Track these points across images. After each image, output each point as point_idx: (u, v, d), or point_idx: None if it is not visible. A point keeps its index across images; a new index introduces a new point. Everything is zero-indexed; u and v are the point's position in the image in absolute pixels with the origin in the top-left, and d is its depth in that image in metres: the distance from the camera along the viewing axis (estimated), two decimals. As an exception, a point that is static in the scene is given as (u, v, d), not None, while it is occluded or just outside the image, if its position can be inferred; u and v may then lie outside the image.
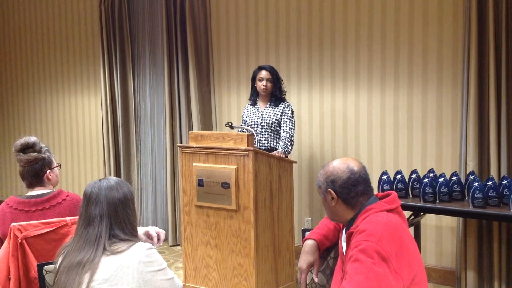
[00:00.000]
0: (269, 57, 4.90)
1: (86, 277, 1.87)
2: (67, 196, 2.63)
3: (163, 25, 5.29)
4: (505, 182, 3.42)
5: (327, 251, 2.33)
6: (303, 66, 4.74)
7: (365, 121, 4.47)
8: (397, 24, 4.28)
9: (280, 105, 4.30)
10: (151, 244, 2.03)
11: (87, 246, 1.93)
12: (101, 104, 5.82)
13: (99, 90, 6.00)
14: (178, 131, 5.31)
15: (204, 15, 5.20)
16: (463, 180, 3.74)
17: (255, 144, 4.12)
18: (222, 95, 5.23)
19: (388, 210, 2.03)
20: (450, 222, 4.15)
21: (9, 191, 7.06)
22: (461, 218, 3.95)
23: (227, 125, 4.13)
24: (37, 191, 2.64)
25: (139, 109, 5.75)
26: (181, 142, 5.25)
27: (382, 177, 3.73)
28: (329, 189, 2.08)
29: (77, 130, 6.37)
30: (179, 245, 5.35)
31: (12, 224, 2.31)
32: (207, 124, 5.26)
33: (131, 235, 1.99)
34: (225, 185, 3.66)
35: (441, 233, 4.22)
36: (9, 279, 2.29)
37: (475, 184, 3.37)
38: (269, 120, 4.26)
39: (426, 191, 3.54)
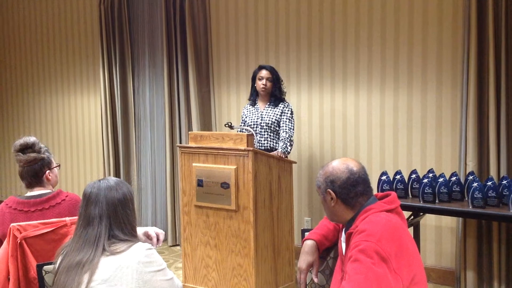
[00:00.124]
0: (269, 58, 4.90)
1: (86, 278, 1.87)
2: (66, 196, 2.62)
3: (163, 25, 5.29)
4: (504, 182, 3.43)
5: (327, 251, 2.33)
6: (303, 67, 4.74)
7: (364, 121, 4.47)
8: (397, 25, 4.28)
9: (280, 105, 4.30)
10: (151, 245, 2.02)
11: (87, 247, 1.93)
12: (101, 104, 5.82)
13: (98, 90, 6.00)
14: (177, 131, 5.31)
15: (204, 16, 5.20)
16: (462, 180, 3.74)
17: (254, 144, 4.12)
18: (221, 96, 5.23)
19: (388, 210, 2.03)
20: (449, 222, 4.16)
21: (9, 191, 7.05)
22: (460, 218, 3.95)
23: (227, 125, 4.13)
24: (37, 192, 2.63)
25: (138, 110, 5.75)
26: (180, 142, 5.24)
27: (382, 177, 3.73)
28: (329, 190, 2.08)
29: (76, 131, 6.37)
30: (178, 245, 5.35)
31: (12, 224, 2.31)
32: (206, 124, 5.26)
33: (131, 236, 1.99)
34: (225, 185, 3.66)
35: (440, 233, 4.22)
36: (9, 279, 2.29)
37: (475, 184, 3.38)
38: (269, 120, 4.26)
39: (425, 191, 3.54)
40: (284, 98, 4.36)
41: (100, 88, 5.85)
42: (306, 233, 2.35)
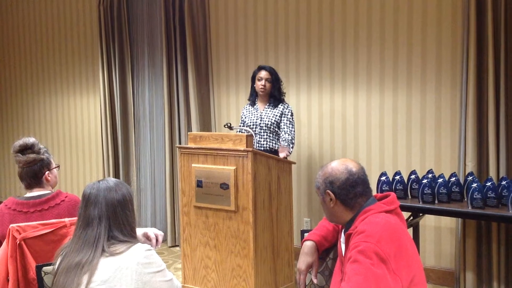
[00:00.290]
0: (268, 58, 4.90)
1: (85, 279, 1.87)
2: (65, 197, 2.62)
3: (162, 25, 5.29)
4: (504, 183, 3.43)
5: (326, 252, 2.33)
6: (302, 67, 4.75)
7: (364, 122, 4.47)
8: (396, 25, 4.28)
9: (279, 106, 4.30)
10: (150, 246, 2.02)
11: (86, 247, 1.93)
12: (100, 105, 5.82)
13: (98, 91, 6.00)
14: (177, 132, 5.31)
15: (203, 16, 5.20)
16: (462, 181, 3.74)
17: (254, 145, 4.12)
18: (221, 96, 5.23)
19: (387, 211, 2.04)
20: (449, 223, 4.16)
21: (8, 192, 7.05)
22: (460, 219, 3.96)
23: (226, 126, 4.13)
24: (36, 192, 2.63)
25: (138, 110, 5.75)
26: (180, 143, 5.24)
27: (381, 178, 3.73)
28: (328, 190, 2.08)
29: (76, 131, 6.37)
30: (178, 246, 5.35)
31: (11, 225, 2.31)
32: (206, 125, 5.26)
33: (130, 237, 1.99)
34: (224, 186, 3.66)
35: (440, 234, 4.23)
36: (8, 280, 2.29)
37: (474, 185, 3.38)
38: (268, 121, 4.26)
39: (425, 192, 3.54)
40: (283, 99, 4.36)
41: (99, 88, 5.85)
42: (306, 234, 2.35)
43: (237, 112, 5.07)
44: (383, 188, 3.69)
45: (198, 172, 3.79)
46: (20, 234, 2.29)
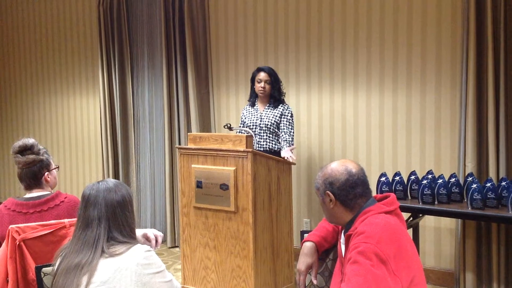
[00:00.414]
0: (268, 59, 4.90)
1: (84, 280, 1.87)
2: (65, 198, 2.62)
3: (162, 26, 5.29)
4: (503, 183, 3.43)
5: (326, 253, 2.33)
6: (302, 67, 4.74)
7: (363, 122, 4.47)
8: (396, 25, 4.28)
9: (279, 107, 4.30)
10: (150, 247, 2.02)
11: (85, 248, 1.93)
12: (100, 106, 5.82)
13: (97, 92, 6.00)
14: (176, 133, 5.31)
15: (203, 17, 5.20)
16: (461, 181, 3.74)
17: (253, 145, 4.12)
18: (220, 97, 5.23)
19: (387, 212, 2.03)
20: (448, 223, 4.16)
21: (7, 193, 7.05)
22: (459, 220, 3.95)
23: (226, 127, 4.13)
24: (35, 193, 2.63)
25: (137, 111, 5.74)
26: (179, 144, 5.24)
27: (381, 179, 3.73)
28: (327, 191, 2.08)
29: (75, 132, 6.36)
30: (177, 246, 5.35)
31: (10, 226, 2.31)
32: (205, 125, 5.26)
33: (130, 238, 1.99)
34: (224, 187, 3.66)
35: (439, 234, 4.22)
36: (7, 281, 2.28)
37: (474, 185, 3.38)
38: (268, 121, 4.26)
39: (424, 192, 3.54)
40: (283, 100, 4.36)
41: (99, 89, 5.85)
42: (305, 235, 2.35)
43: (237, 113, 5.07)
44: (382, 189, 3.69)
45: (198, 172, 3.78)
46: (19, 235, 2.29)
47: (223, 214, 3.70)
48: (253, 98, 4.41)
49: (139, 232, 2.21)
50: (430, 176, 3.70)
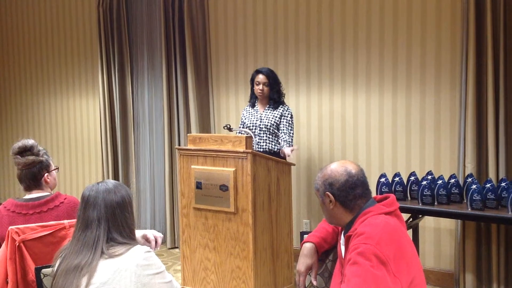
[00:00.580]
0: (267, 59, 4.90)
1: (84, 281, 1.87)
2: (64, 199, 2.62)
3: (161, 27, 5.29)
4: (503, 184, 3.43)
5: (326, 254, 2.33)
6: (301, 68, 4.75)
7: (363, 123, 4.47)
8: (396, 26, 4.28)
9: (279, 108, 4.30)
10: (149, 247, 2.02)
11: (85, 249, 1.93)
12: (99, 107, 5.82)
13: (97, 93, 5.99)
14: (176, 134, 5.30)
15: (203, 17, 5.20)
16: (461, 182, 3.74)
17: (253, 146, 4.12)
18: (220, 98, 5.23)
19: (387, 213, 2.03)
20: (448, 224, 4.15)
21: (7, 194, 7.04)
22: (459, 221, 3.95)
23: (225, 128, 4.13)
24: (35, 194, 2.63)
25: (137, 112, 5.74)
26: (179, 145, 5.24)
27: (381, 180, 3.73)
28: (327, 192, 2.08)
29: (75, 133, 6.36)
30: (177, 247, 5.34)
31: (10, 227, 2.31)
32: (205, 126, 5.26)
33: (129, 239, 1.99)
34: (224, 188, 3.66)
35: (439, 235, 4.22)
36: (7, 283, 2.28)
37: (474, 186, 3.38)
38: (268, 122, 4.26)
39: (424, 193, 3.54)
40: (283, 101, 4.36)
41: (98, 90, 5.85)
42: (305, 236, 2.35)
43: (237, 114, 5.07)
44: (382, 190, 3.69)
45: (198, 173, 3.78)
46: (19, 236, 2.29)
47: (222, 215, 3.70)
48: (253, 99, 4.41)
49: (138, 233, 2.21)
50: (429, 177, 3.70)
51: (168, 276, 1.98)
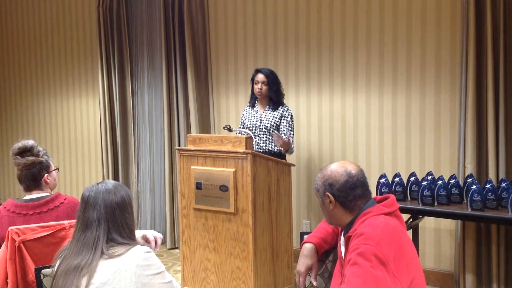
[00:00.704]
0: (267, 60, 4.90)
1: (84, 281, 1.87)
2: (64, 199, 2.62)
3: (161, 28, 5.29)
4: (503, 185, 3.42)
5: (326, 254, 2.33)
6: (301, 69, 4.75)
7: (363, 124, 4.47)
8: (396, 27, 4.28)
9: (279, 108, 4.30)
10: (149, 248, 2.02)
11: (85, 250, 1.93)
12: (99, 107, 5.82)
13: (97, 93, 5.99)
14: (176, 134, 5.30)
15: (202, 18, 5.20)
16: (461, 183, 3.74)
17: (253, 147, 4.11)
18: (220, 98, 5.23)
19: (386, 213, 2.03)
20: (448, 225, 4.15)
21: (7, 194, 7.05)
22: (459, 221, 3.95)
23: (225, 128, 4.13)
24: (35, 195, 2.63)
25: (137, 112, 5.74)
26: (179, 145, 5.24)
27: (381, 180, 3.73)
28: (327, 193, 2.08)
29: (75, 133, 6.36)
30: (177, 248, 5.34)
31: (10, 227, 2.31)
32: (205, 127, 5.26)
33: (129, 239, 1.99)
34: (224, 188, 3.66)
35: (439, 236, 4.22)
36: (7, 283, 2.28)
37: (474, 187, 3.38)
38: (268, 123, 4.26)
39: (424, 194, 3.54)
40: (283, 101, 4.36)
41: (98, 90, 5.85)
42: (305, 236, 2.35)
43: (237, 114, 5.07)
44: (382, 190, 3.69)
45: (198, 174, 3.78)
46: (19, 236, 2.29)
47: (222, 215, 3.70)
48: (253, 99, 4.41)
49: (138, 234, 2.21)
50: (429, 177, 3.70)
51: (168, 276, 1.99)
